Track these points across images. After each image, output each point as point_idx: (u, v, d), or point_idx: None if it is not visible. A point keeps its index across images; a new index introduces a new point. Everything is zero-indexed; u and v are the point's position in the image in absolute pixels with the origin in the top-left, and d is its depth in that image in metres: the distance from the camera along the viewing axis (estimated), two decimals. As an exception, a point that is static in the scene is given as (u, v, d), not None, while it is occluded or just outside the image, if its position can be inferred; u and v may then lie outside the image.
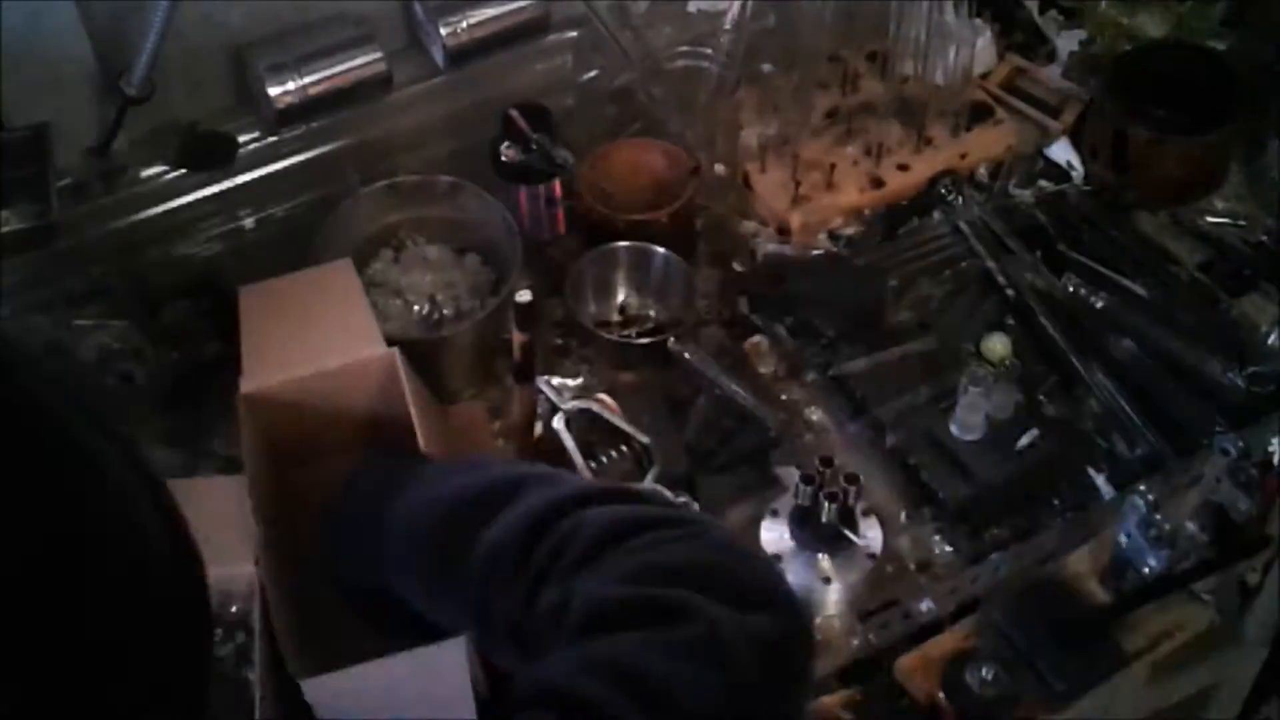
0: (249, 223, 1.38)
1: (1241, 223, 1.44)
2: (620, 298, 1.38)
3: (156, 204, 1.33)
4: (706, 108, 1.45)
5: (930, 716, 1.05)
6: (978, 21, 1.52)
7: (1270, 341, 1.28)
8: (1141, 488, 1.11)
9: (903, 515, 1.20)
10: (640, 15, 1.48)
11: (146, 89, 1.24)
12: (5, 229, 1.18)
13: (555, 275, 1.35)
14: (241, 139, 1.34)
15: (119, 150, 1.30)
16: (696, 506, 1.02)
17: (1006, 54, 1.58)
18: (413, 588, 0.87)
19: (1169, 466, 1.21)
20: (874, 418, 1.25)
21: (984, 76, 1.55)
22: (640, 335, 1.35)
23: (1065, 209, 1.44)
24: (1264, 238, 1.42)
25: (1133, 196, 1.44)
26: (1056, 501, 1.21)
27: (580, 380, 1.31)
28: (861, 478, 1.14)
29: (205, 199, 1.35)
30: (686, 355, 1.28)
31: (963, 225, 1.43)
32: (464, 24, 1.38)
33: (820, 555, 1.13)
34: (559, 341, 1.35)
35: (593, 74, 1.50)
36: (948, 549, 1.18)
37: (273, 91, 1.31)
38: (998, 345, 1.30)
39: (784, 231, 1.41)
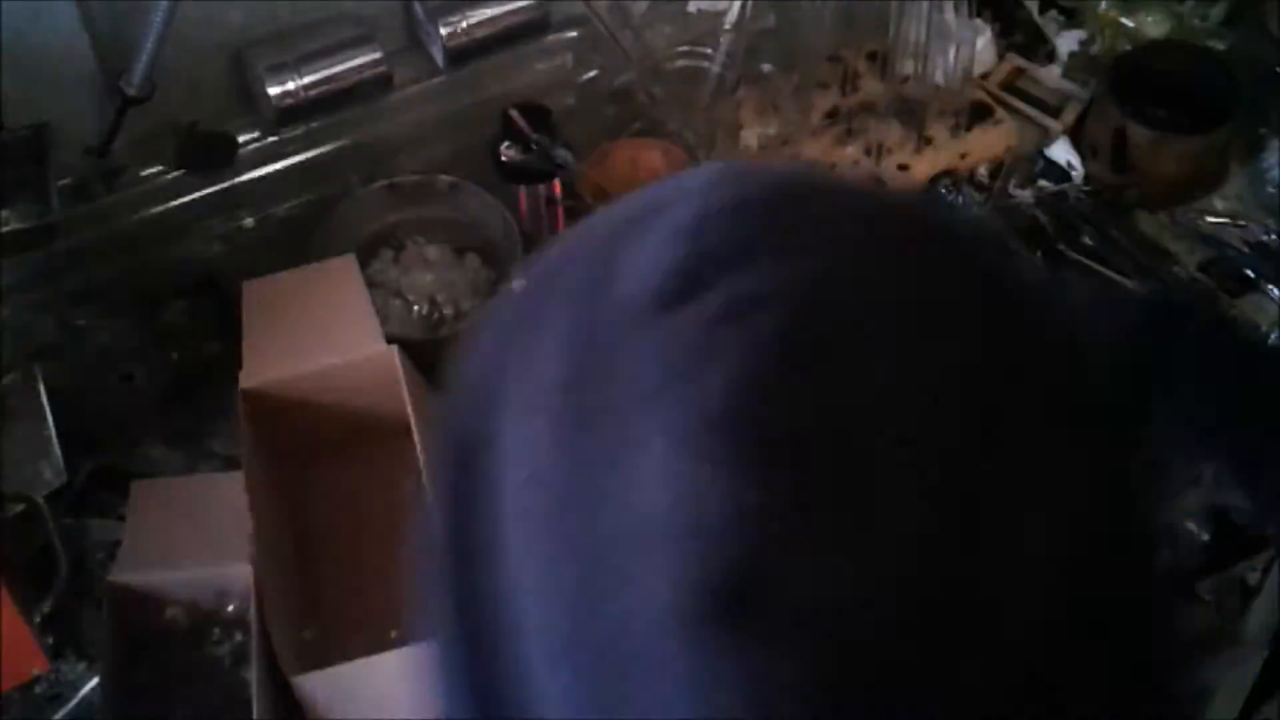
0: (249, 222, 1.38)
1: (1241, 223, 1.44)
2: (620, 298, 1.38)
3: (156, 204, 1.33)
4: (706, 108, 1.45)
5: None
6: (978, 21, 1.52)
7: (1270, 341, 1.28)
8: (1141, 487, 1.10)
9: (902, 515, 1.19)
10: (640, 15, 1.48)
11: (146, 89, 1.24)
12: (5, 229, 1.18)
13: (555, 275, 1.35)
14: (241, 139, 1.34)
15: (119, 150, 1.30)
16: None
17: (1006, 54, 1.58)
18: None
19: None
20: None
21: (984, 76, 1.55)
22: (640, 335, 1.34)
23: (1065, 209, 1.44)
24: (1264, 238, 1.42)
25: (1133, 196, 1.44)
26: (1056, 501, 1.21)
27: (580, 380, 1.31)
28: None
29: (205, 199, 1.35)
30: (686, 355, 1.28)
31: (963, 225, 1.42)
32: (464, 24, 1.38)
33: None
34: (558, 341, 1.35)
35: (593, 74, 1.50)
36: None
37: (273, 91, 1.31)
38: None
39: (784, 231, 1.41)
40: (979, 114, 1.49)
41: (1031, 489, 0.37)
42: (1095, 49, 1.58)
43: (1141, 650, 0.39)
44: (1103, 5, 1.57)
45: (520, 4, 1.40)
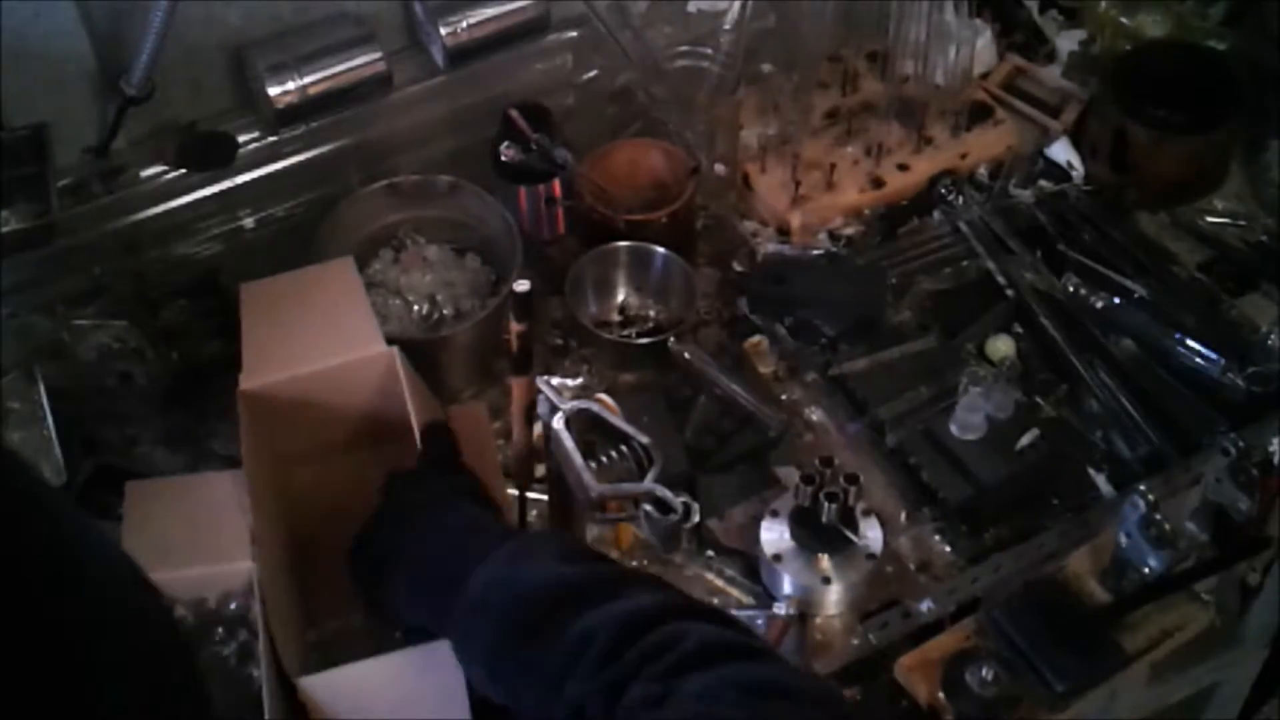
0: (249, 223, 1.39)
1: (1241, 223, 1.44)
2: (620, 298, 1.38)
3: (156, 204, 1.33)
4: (706, 108, 1.45)
5: (930, 716, 1.05)
6: (978, 21, 1.52)
7: (1270, 341, 1.28)
8: (1141, 488, 1.10)
9: (903, 515, 1.20)
10: (640, 15, 1.48)
11: (146, 89, 1.24)
12: (5, 229, 1.18)
13: (555, 275, 1.35)
14: (241, 139, 1.34)
15: (119, 150, 1.30)
16: (697, 507, 1.02)
17: (1006, 54, 1.58)
18: (477, 649, 0.86)
19: (1169, 466, 1.21)
20: (874, 418, 1.25)
21: (984, 76, 1.55)
22: (640, 335, 1.34)
23: (1065, 209, 1.44)
24: (1264, 238, 1.42)
25: (1133, 196, 1.44)
26: (1056, 501, 1.21)
27: (580, 380, 1.31)
28: (861, 478, 1.13)
29: (205, 199, 1.35)
30: (686, 355, 1.28)
31: (963, 225, 1.43)
32: (464, 24, 1.38)
33: (820, 555, 1.13)
34: (559, 341, 1.35)
35: (593, 74, 1.50)
36: (948, 549, 1.18)
37: (273, 91, 1.31)
38: (1001, 346, 1.30)
39: (784, 231, 1.41)
40: (979, 114, 1.49)
41: None
42: (1095, 49, 1.58)
43: None
44: (1103, 5, 1.58)
45: (520, 4, 1.40)
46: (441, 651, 0.89)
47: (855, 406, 1.27)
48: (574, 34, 1.47)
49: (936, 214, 1.44)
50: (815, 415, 1.28)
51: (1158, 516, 1.08)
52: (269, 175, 1.37)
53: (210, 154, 1.33)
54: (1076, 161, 1.47)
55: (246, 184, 1.36)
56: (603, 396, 1.24)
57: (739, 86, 1.47)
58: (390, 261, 1.36)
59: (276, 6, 1.33)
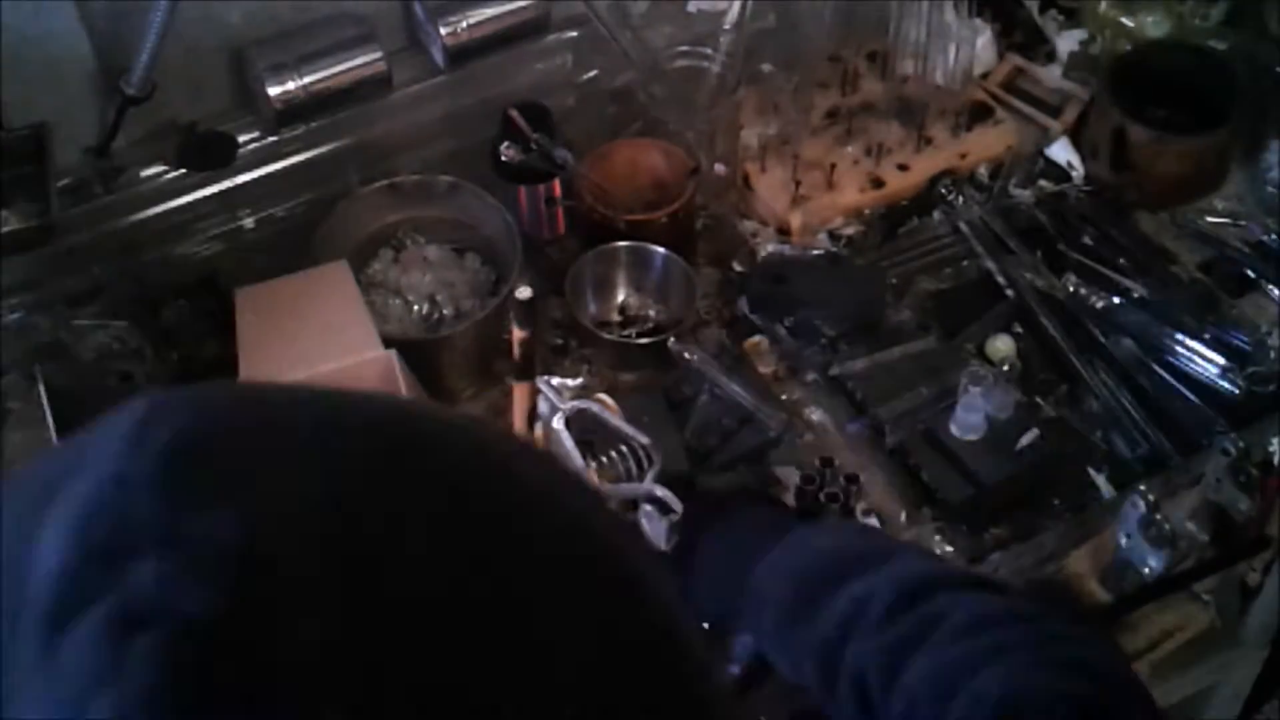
0: (249, 223, 1.38)
1: (1241, 223, 1.44)
2: (620, 298, 1.38)
3: (156, 204, 1.33)
4: (706, 108, 1.45)
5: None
6: (978, 21, 1.52)
7: (1270, 341, 1.28)
8: (1141, 488, 1.10)
9: (903, 515, 1.20)
10: (640, 15, 1.48)
11: (146, 89, 1.24)
12: (5, 229, 1.18)
13: (555, 275, 1.35)
14: (241, 139, 1.34)
15: (119, 150, 1.30)
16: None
17: (1006, 54, 1.58)
18: (766, 634, 0.88)
19: (1169, 466, 1.21)
20: (874, 418, 1.25)
21: (984, 76, 1.55)
22: (640, 335, 1.34)
23: (1065, 209, 1.44)
24: (1264, 238, 1.42)
25: (1133, 196, 1.44)
26: (1056, 501, 1.21)
27: (580, 380, 1.31)
28: (861, 478, 1.13)
29: (205, 199, 1.35)
30: (686, 355, 1.28)
31: (963, 225, 1.43)
32: (464, 24, 1.38)
33: (820, 555, 1.13)
34: (559, 341, 1.35)
35: (593, 74, 1.50)
36: (948, 549, 1.18)
37: (273, 91, 1.31)
38: (1001, 346, 1.30)
39: (784, 231, 1.41)
40: (979, 114, 1.49)
41: None
42: (1095, 49, 1.58)
43: None
44: (1103, 5, 1.57)
45: (520, 4, 1.40)
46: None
47: (855, 406, 1.27)
48: (574, 34, 1.47)
49: (936, 214, 1.44)
50: (815, 415, 1.28)
51: (1158, 516, 1.08)
52: (269, 175, 1.37)
53: (210, 154, 1.33)
54: (1076, 161, 1.47)
55: (246, 184, 1.36)
56: (603, 396, 1.24)
57: (739, 86, 1.47)
58: (390, 261, 1.36)
59: (276, 6, 1.33)
